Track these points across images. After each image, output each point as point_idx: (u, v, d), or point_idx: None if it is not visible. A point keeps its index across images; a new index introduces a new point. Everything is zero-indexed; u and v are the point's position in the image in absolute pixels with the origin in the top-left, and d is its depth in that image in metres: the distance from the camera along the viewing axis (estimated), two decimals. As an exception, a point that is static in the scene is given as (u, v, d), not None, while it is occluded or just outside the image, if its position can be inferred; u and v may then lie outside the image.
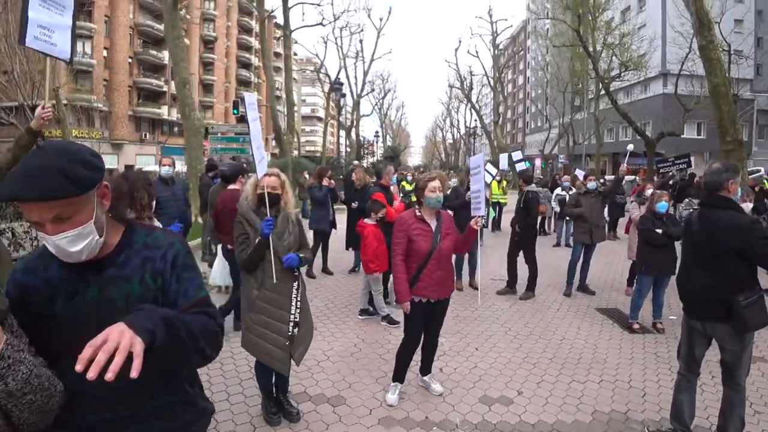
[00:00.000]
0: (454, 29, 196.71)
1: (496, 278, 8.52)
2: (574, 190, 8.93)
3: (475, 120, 52.39)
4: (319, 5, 28.14)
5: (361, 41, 47.56)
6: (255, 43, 63.60)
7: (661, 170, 12.68)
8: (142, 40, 48.05)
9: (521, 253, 7.59)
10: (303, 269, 4.26)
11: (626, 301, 7.32)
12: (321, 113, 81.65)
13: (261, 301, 3.60)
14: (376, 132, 51.16)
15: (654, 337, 5.82)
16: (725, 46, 20.16)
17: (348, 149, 43.68)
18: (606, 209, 8.61)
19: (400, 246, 3.91)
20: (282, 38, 25.90)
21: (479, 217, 4.03)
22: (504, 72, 66.59)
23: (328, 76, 39.22)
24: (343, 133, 39.14)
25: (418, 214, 3.99)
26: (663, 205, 5.90)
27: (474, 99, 59.45)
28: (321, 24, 29.99)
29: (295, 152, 28.90)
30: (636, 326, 6.00)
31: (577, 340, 5.66)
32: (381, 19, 49.76)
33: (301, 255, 3.73)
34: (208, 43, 57.85)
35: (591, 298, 7.51)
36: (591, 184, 7.63)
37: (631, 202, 8.45)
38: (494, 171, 13.04)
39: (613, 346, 5.49)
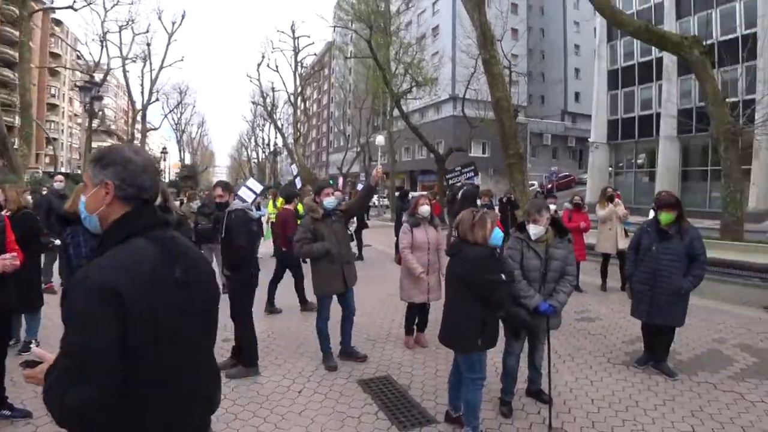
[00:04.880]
0: (258, 43, 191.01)
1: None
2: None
3: (276, 139, 50.04)
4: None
5: (148, 45, 41.58)
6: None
7: (450, 181, 11.81)
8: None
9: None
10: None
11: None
12: (113, 126, 71.74)
13: None
14: (164, 148, 45.45)
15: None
16: (506, 64, 20.85)
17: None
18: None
19: None
20: (20, 22, 20.24)
21: None
22: (310, 91, 65.75)
23: (89, 78, 33.18)
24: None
25: None
26: (498, 236, 3.54)
27: (279, 117, 57.23)
28: (72, 8, 24.53)
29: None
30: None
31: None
32: (174, 24, 44.86)
33: None
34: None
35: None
36: (328, 201, 5.00)
37: (404, 222, 6.43)
38: (258, 188, 10.65)
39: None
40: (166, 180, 51.98)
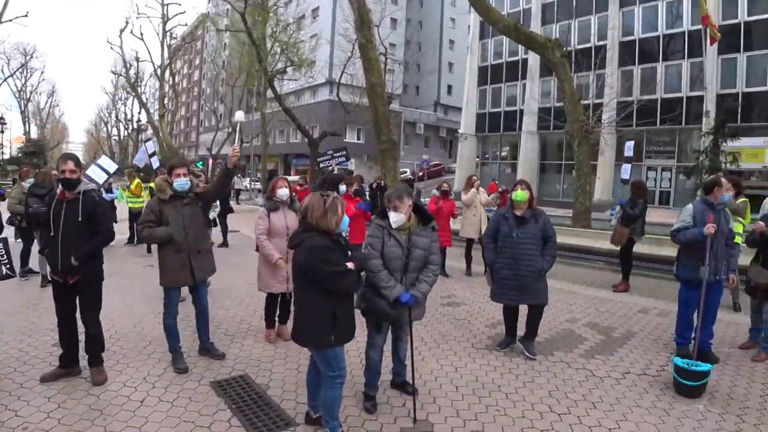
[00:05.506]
0: (121, 6, 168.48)
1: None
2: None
3: (139, 114, 46.10)
4: None
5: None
6: None
7: (321, 165, 11.50)
8: None
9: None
10: None
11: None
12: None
13: None
14: (2, 118, 39.66)
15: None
16: (383, 50, 20.94)
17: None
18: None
19: None
20: None
21: None
22: (180, 64, 61.30)
23: None
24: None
25: None
26: (346, 222, 3.28)
27: (144, 90, 52.80)
28: None
29: None
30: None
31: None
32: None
33: None
34: None
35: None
36: (179, 182, 4.35)
37: (261, 206, 5.79)
38: (113, 167, 9.23)
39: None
40: (6, 156, 45.64)
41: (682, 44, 25.07)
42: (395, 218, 3.62)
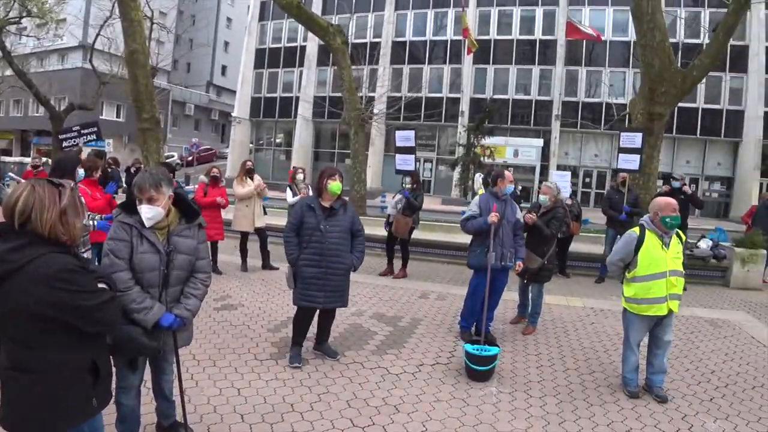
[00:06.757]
0: None
1: None
2: None
3: None
4: None
5: None
6: None
7: (64, 143, 9.35)
8: None
9: None
10: None
11: None
12: None
13: None
14: None
15: None
16: (149, 14, 18.69)
17: None
18: None
19: None
20: None
21: None
22: None
23: None
24: None
25: None
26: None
27: None
28: None
29: None
30: None
31: None
32: None
33: None
34: None
35: None
36: None
37: None
38: None
39: None
40: None
41: (445, 51, 28.43)
42: (149, 213, 2.62)
